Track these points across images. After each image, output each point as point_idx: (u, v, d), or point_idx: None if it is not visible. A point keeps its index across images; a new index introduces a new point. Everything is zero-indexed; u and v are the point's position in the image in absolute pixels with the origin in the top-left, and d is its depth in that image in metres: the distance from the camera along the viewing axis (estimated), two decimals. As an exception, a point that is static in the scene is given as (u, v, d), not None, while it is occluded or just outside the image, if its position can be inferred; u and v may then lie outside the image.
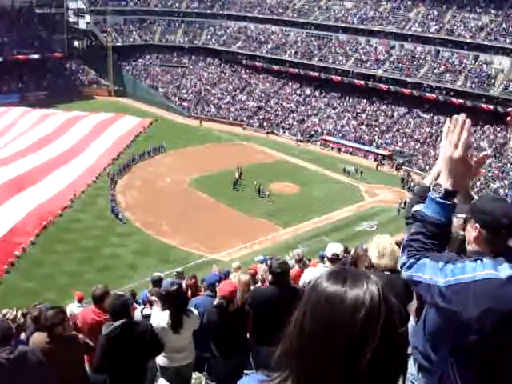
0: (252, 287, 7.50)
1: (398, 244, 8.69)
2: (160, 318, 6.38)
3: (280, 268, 6.46)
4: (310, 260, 12.75)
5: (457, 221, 5.12)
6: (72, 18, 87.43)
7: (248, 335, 6.82)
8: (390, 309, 1.38)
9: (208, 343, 6.60)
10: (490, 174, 54.11)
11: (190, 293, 7.97)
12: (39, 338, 5.93)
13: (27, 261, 34.41)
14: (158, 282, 10.52)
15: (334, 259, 7.32)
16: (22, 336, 7.76)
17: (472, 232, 2.71)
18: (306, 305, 1.42)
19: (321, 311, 1.38)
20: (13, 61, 75.26)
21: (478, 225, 2.66)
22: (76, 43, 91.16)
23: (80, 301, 12.29)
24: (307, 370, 1.38)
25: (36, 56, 77.52)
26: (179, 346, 6.25)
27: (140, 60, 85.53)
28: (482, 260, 2.32)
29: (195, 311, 6.51)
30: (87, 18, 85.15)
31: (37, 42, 79.66)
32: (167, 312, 6.34)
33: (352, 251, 12.62)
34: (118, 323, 5.72)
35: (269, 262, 10.45)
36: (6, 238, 35.24)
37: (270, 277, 6.64)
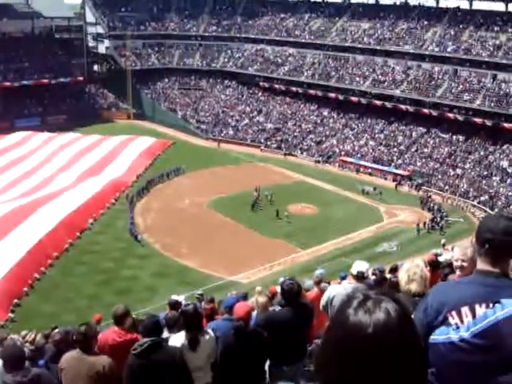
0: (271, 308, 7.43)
1: (429, 262, 8.58)
2: (176, 338, 6.34)
3: (290, 287, 6.48)
4: (329, 282, 12.59)
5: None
6: (91, 43, 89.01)
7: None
8: (406, 336, 1.42)
9: (226, 367, 6.49)
10: (510, 194, 53.56)
11: (206, 317, 7.89)
12: (69, 355, 5.86)
13: (46, 283, 34.56)
14: (175, 305, 10.43)
15: (360, 277, 7.26)
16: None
17: None
18: (328, 331, 1.49)
19: (336, 338, 1.45)
20: (33, 85, 76.49)
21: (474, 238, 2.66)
22: (95, 67, 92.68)
23: (98, 323, 12.26)
24: None
25: (56, 80, 78.71)
26: (195, 365, 6.18)
27: (158, 83, 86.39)
28: (500, 302, 2.25)
29: (211, 332, 6.45)
30: (106, 42, 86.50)
31: (57, 67, 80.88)
32: (183, 332, 6.30)
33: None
34: (145, 340, 5.64)
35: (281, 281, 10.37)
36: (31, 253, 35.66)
37: (281, 298, 6.66)
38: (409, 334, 1.43)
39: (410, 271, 4.96)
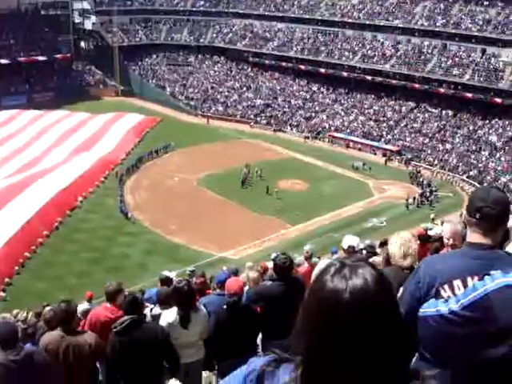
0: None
1: (419, 236, 8.63)
2: (168, 314, 6.37)
3: (282, 262, 6.53)
4: (319, 257, 12.69)
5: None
6: (78, 19, 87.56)
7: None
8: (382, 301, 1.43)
9: (218, 342, 6.54)
10: (499, 168, 53.83)
11: (197, 291, 7.93)
12: (52, 335, 5.86)
13: (37, 261, 34.54)
14: (166, 281, 10.48)
15: (350, 251, 7.30)
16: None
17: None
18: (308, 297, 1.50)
19: (313, 303, 1.46)
20: (19, 62, 75.56)
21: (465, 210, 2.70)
22: (82, 44, 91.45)
23: (89, 300, 12.30)
24: (307, 357, 1.46)
25: (42, 57, 77.69)
26: (188, 341, 6.22)
27: (146, 59, 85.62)
28: (489, 274, 2.26)
29: (203, 308, 6.48)
30: (93, 18, 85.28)
31: (43, 44, 79.81)
32: (175, 308, 6.33)
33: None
34: (125, 318, 5.67)
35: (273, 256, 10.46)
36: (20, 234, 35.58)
37: (273, 272, 6.70)
38: (386, 299, 1.43)
39: (405, 246, 4.97)
